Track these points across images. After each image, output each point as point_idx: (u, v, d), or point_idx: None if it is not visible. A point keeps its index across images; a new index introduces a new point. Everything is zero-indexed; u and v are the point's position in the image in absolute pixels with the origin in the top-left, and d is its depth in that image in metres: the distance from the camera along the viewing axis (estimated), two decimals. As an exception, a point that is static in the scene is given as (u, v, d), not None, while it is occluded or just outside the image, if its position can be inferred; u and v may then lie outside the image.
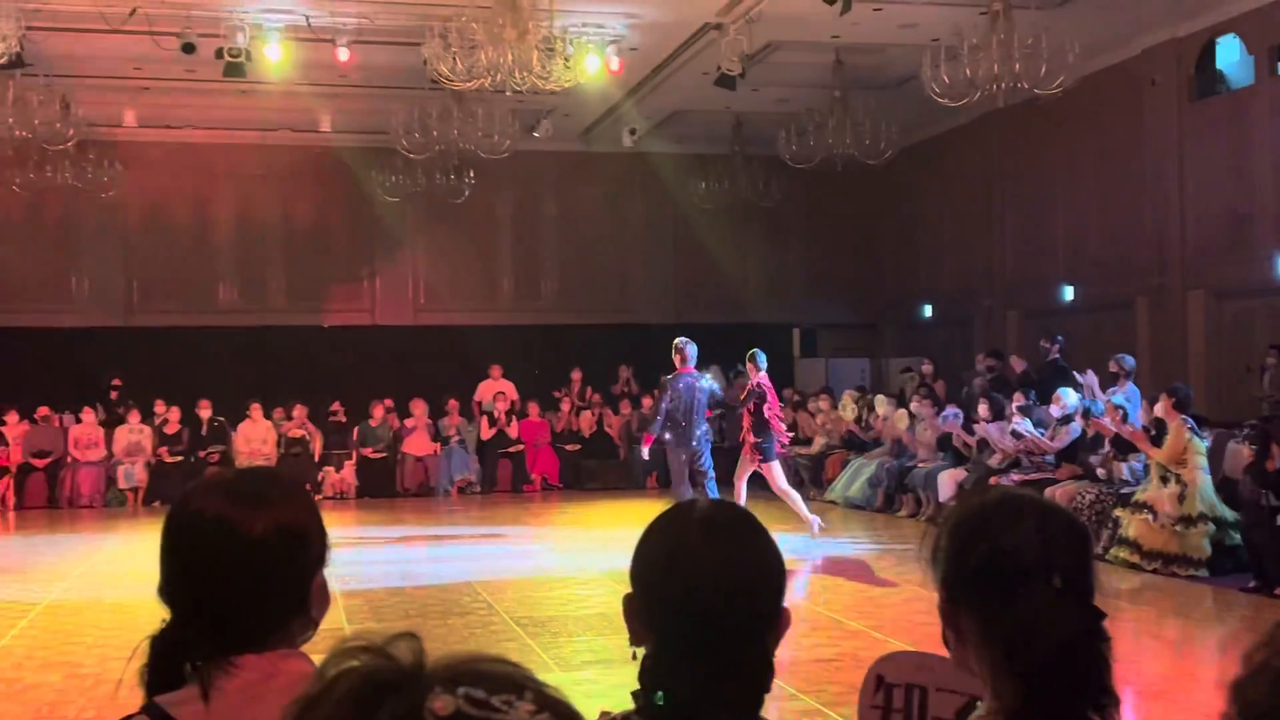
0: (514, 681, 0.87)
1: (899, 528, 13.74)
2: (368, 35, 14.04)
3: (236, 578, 1.67)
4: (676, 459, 12.04)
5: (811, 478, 16.64)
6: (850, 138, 15.54)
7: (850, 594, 9.54)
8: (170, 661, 1.67)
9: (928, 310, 20.06)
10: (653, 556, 1.69)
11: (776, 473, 12.14)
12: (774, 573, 1.70)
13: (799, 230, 20.71)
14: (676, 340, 12.16)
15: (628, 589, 1.68)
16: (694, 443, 11.91)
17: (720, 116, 17.88)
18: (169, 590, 1.71)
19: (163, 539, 1.74)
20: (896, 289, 20.63)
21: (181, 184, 19.34)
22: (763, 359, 12.07)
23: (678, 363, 11.97)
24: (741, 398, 12.12)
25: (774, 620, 1.67)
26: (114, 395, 17.64)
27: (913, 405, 15.32)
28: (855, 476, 15.50)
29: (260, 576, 1.68)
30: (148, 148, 18.80)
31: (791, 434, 14.05)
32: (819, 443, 16.94)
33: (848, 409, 16.49)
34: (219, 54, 13.67)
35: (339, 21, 13.75)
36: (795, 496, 12.30)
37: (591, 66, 13.60)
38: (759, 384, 11.89)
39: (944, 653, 1.75)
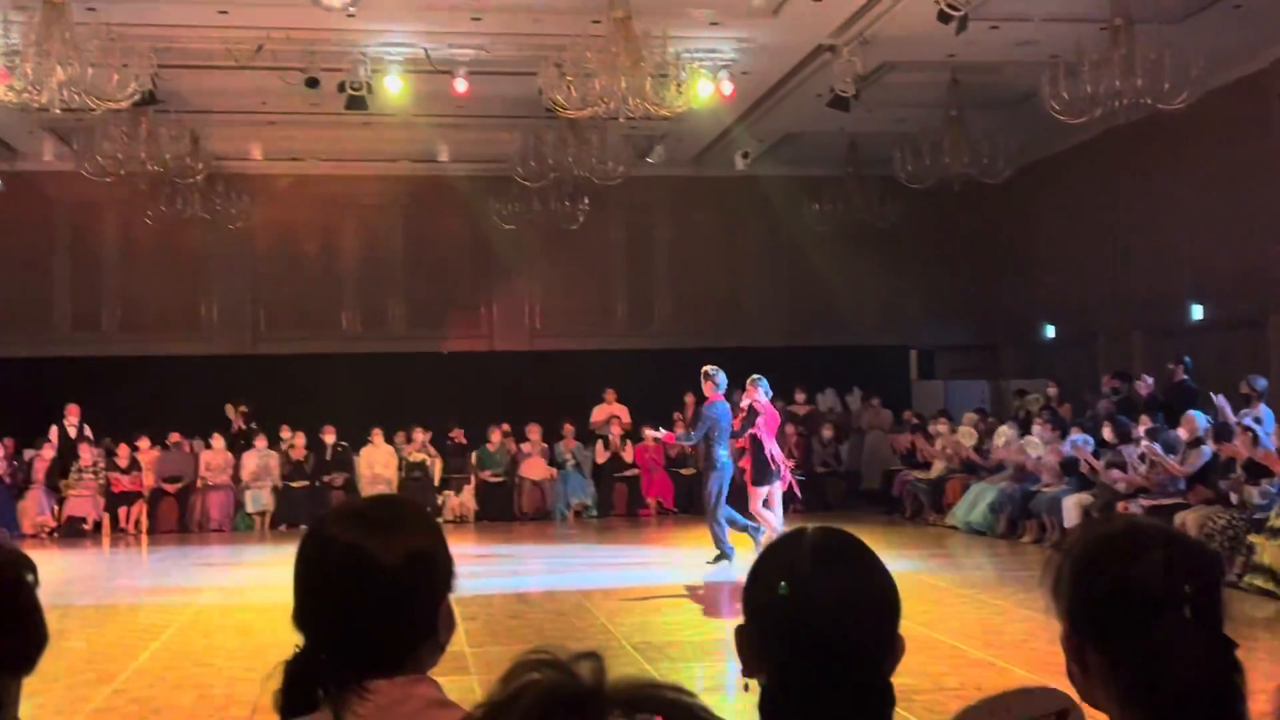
0: (691, 712, 0.88)
1: (1023, 554, 13.46)
2: (484, 66, 14.29)
3: (370, 604, 1.71)
4: (715, 485, 12.02)
5: (931, 502, 16.39)
6: (967, 157, 15.35)
7: (973, 621, 9.36)
8: (304, 686, 1.71)
9: (1050, 331, 19.65)
10: (766, 588, 1.68)
11: (759, 495, 12.15)
12: (889, 598, 1.68)
13: (915, 251, 20.48)
14: (706, 368, 12.30)
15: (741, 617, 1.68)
16: (719, 468, 12.03)
17: (834, 138, 17.78)
18: (303, 616, 1.76)
19: (297, 566, 1.78)
20: (1016, 309, 20.25)
21: (306, 215, 19.87)
22: (764, 384, 12.27)
23: (709, 390, 12.04)
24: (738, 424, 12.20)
25: (891, 647, 1.65)
26: (242, 422, 18.13)
27: (1036, 428, 15.01)
28: (976, 501, 15.22)
29: (393, 603, 1.72)
30: (273, 180, 19.38)
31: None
32: (938, 467, 16.68)
33: (968, 433, 16.22)
34: (341, 88, 14.03)
35: (456, 53, 14.02)
36: (754, 525, 12.04)
37: (704, 91, 13.65)
38: (751, 406, 12.10)
39: (1068, 686, 1.71)
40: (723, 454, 12.08)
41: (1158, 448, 12.25)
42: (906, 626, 1.67)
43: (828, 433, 18.77)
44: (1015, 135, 15.44)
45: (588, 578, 12.08)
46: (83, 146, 15.78)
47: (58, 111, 13.28)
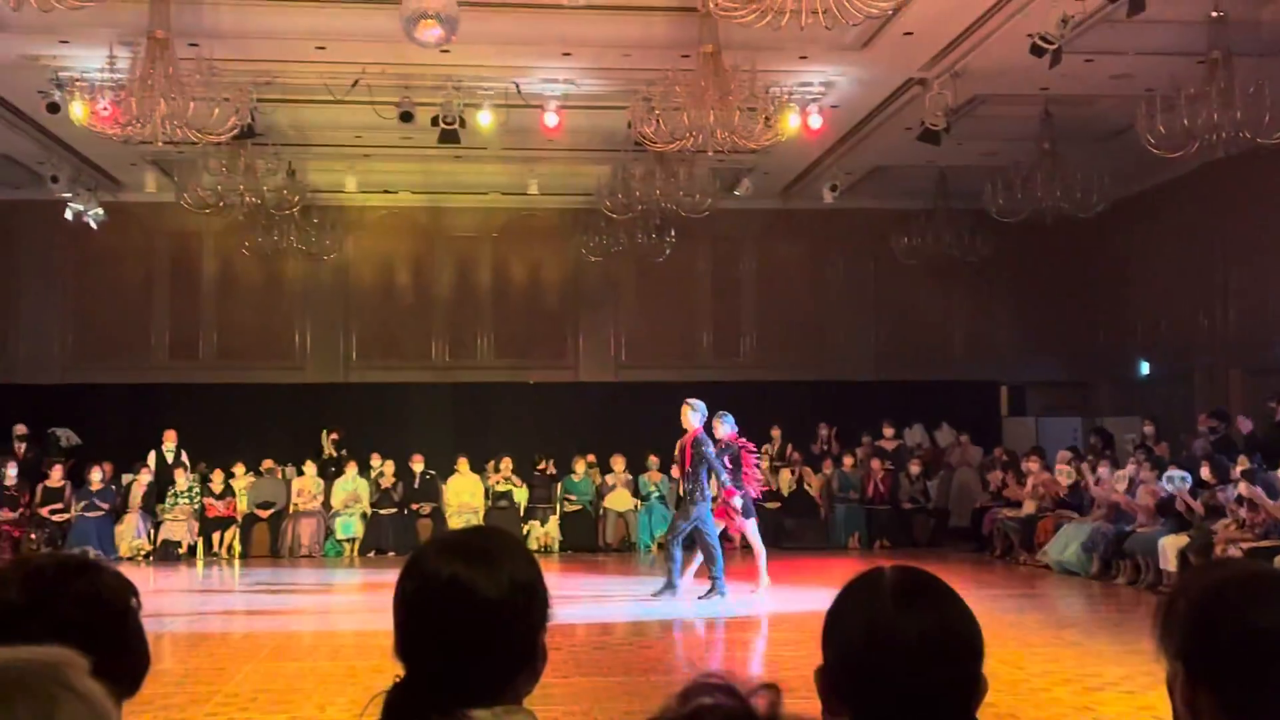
0: None
1: (1117, 595, 13.16)
2: (573, 100, 14.43)
3: (472, 636, 1.73)
4: (698, 514, 12.19)
5: (1021, 541, 16.10)
6: (1060, 190, 15.16)
7: (1068, 664, 9.16)
8: (403, 716, 1.73)
9: (1145, 368, 19.27)
10: (846, 629, 1.67)
11: (750, 526, 12.62)
12: (973, 637, 1.67)
13: (1006, 285, 20.24)
14: (690, 400, 12.41)
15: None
16: (705, 501, 12.20)
17: (923, 171, 17.68)
18: (404, 647, 1.78)
19: (397, 598, 1.81)
20: (1110, 345, 19.88)
21: (397, 246, 20.19)
22: (730, 419, 12.45)
23: (694, 421, 12.16)
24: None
25: (974, 688, 1.64)
26: (333, 449, 18.40)
27: (1130, 467, 14.70)
28: (1069, 541, 14.91)
29: (494, 634, 1.74)
30: (366, 211, 19.73)
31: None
32: (1029, 505, 16.39)
33: (1067, 472, 15.88)
34: (434, 121, 14.25)
35: (546, 88, 14.19)
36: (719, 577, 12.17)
37: (792, 125, 13.65)
38: (728, 442, 12.35)
39: None
40: (708, 490, 12.23)
41: (1259, 490, 11.93)
42: (996, 668, 1.66)
43: (915, 468, 18.56)
44: (1109, 169, 15.21)
45: (671, 610, 12.03)
46: (183, 178, 16.22)
47: (160, 145, 13.69)
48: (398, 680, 1.76)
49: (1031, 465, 16.68)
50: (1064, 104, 14.82)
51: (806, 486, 18.42)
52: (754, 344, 20.71)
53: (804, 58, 13.39)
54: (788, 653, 9.63)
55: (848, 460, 18.50)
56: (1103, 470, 15.24)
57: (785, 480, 18.47)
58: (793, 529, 18.06)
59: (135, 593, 1.61)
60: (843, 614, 1.68)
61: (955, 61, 13.40)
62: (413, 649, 1.77)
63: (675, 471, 12.76)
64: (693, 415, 12.20)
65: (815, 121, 14.24)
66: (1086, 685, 8.22)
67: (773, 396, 19.56)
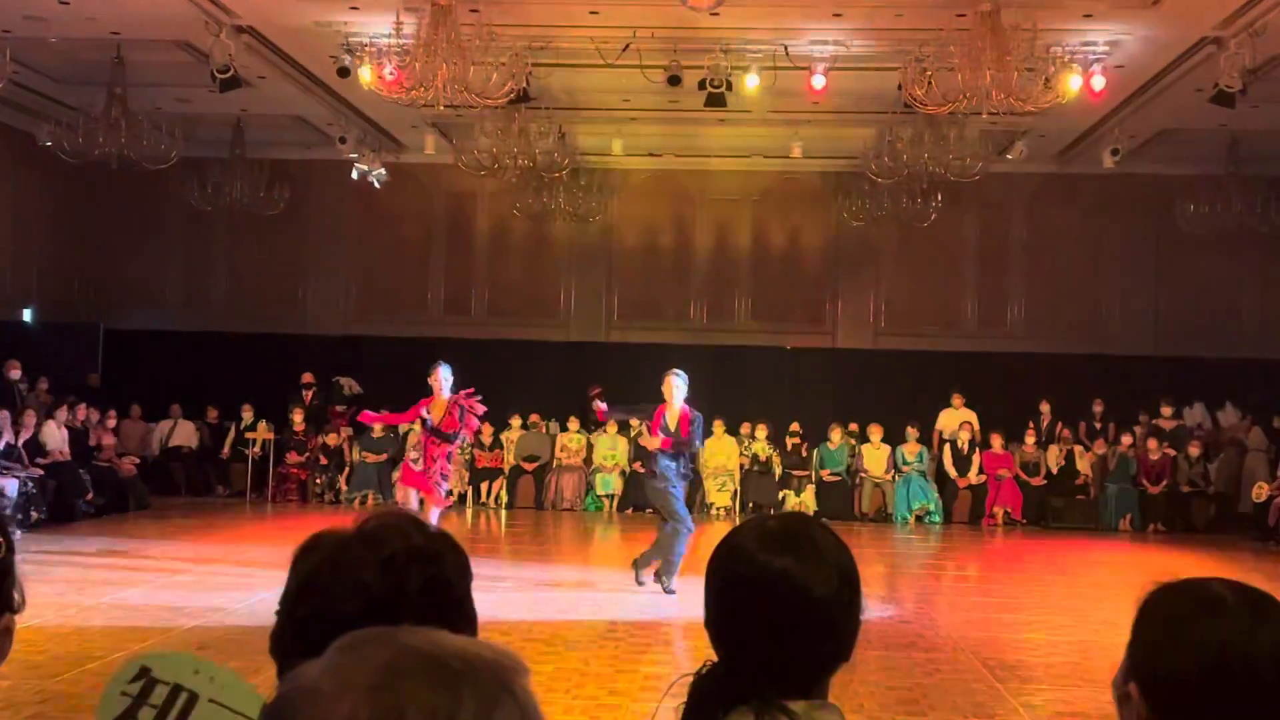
0: None
1: None
2: (842, 62, 14.19)
3: (800, 631, 1.71)
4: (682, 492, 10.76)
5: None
6: (1369, 156, 13.97)
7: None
8: (716, 701, 1.72)
9: None
10: (1193, 647, 1.55)
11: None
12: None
13: (1302, 257, 18.84)
14: (677, 370, 10.99)
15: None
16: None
17: (1214, 135, 16.60)
18: (720, 635, 1.76)
19: (716, 587, 1.78)
20: None
21: (660, 209, 20.39)
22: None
23: (677, 392, 10.77)
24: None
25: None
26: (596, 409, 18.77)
27: None
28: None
29: (821, 629, 1.71)
30: (631, 175, 20.01)
31: None
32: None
33: None
34: (701, 85, 14.28)
35: (815, 50, 13.99)
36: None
37: (1074, 86, 13.04)
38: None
39: None
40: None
41: None
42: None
43: (1195, 450, 17.56)
44: None
45: (927, 589, 11.81)
46: (460, 141, 16.82)
47: (440, 108, 14.24)
48: (708, 664, 1.75)
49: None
50: (1378, 62, 13.62)
51: (1076, 463, 17.71)
52: (1022, 314, 19.98)
53: (1088, 15, 12.74)
54: (1055, 638, 9.30)
55: (1124, 439, 17.66)
56: None
57: (1053, 456, 17.82)
58: (1059, 508, 17.43)
59: (470, 574, 1.63)
60: (1182, 628, 1.57)
61: (1255, 18, 12.48)
62: (732, 638, 1.75)
63: (666, 443, 10.68)
64: (677, 385, 10.86)
65: (1098, 83, 13.52)
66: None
67: (1042, 369, 18.86)
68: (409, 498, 11.01)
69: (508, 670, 0.98)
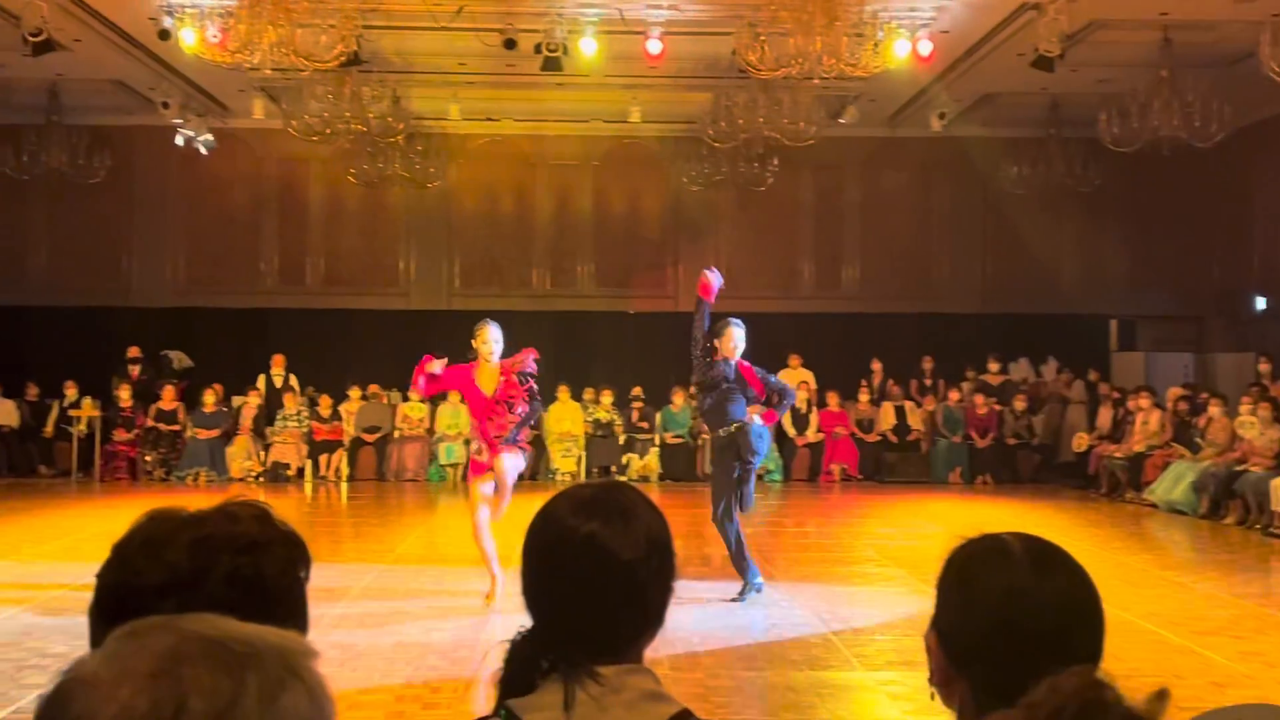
0: None
1: (1225, 535, 12.90)
2: (677, 26, 14.25)
3: (607, 595, 1.73)
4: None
5: (1130, 479, 15.82)
6: (1178, 119, 14.63)
7: (1173, 605, 9.00)
8: (527, 666, 1.74)
9: (1261, 303, 18.66)
10: (978, 595, 1.62)
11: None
12: (1099, 603, 1.65)
13: (1118, 217, 19.68)
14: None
15: (925, 590, 1.67)
16: None
17: (1035, 98, 17.19)
18: (533, 600, 1.78)
19: (529, 553, 1.80)
20: (1226, 280, 19.27)
21: (500, 174, 20.23)
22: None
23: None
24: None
25: (1102, 650, 1.60)
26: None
27: (1244, 406, 14.31)
28: (1177, 480, 14.63)
29: (629, 594, 1.73)
30: (469, 140, 19.78)
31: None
32: (1138, 443, 16.05)
33: (1248, 423, 14.97)
34: (538, 49, 14.18)
35: (650, 14, 14.01)
36: None
37: (901, 51, 13.35)
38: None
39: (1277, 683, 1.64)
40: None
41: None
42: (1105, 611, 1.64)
43: (1020, 404, 18.27)
44: (1230, 97, 14.64)
45: (772, 545, 12.05)
46: (290, 106, 16.38)
47: (268, 72, 13.84)
48: (523, 630, 1.76)
49: (1141, 402, 16.33)
50: (1184, 29, 14.26)
51: (908, 419, 18.26)
52: (857, 275, 20.44)
53: (915, -18, 13.04)
54: (889, 590, 9.59)
55: (952, 395, 18.28)
56: (1214, 410, 14.87)
57: (886, 413, 18.33)
58: (893, 463, 17.97)
59: (306, 564, 1.56)
60: (971, 580, 1.63)
61: (1074, -15, 12.94)
62: (543, 602, 1.77)
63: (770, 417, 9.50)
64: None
65: (925, 48, 13.88)
66: (1194, 629, 8.07)
67: (875, 329, 19.37)
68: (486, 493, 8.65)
69: (294, 653, 0.96)
